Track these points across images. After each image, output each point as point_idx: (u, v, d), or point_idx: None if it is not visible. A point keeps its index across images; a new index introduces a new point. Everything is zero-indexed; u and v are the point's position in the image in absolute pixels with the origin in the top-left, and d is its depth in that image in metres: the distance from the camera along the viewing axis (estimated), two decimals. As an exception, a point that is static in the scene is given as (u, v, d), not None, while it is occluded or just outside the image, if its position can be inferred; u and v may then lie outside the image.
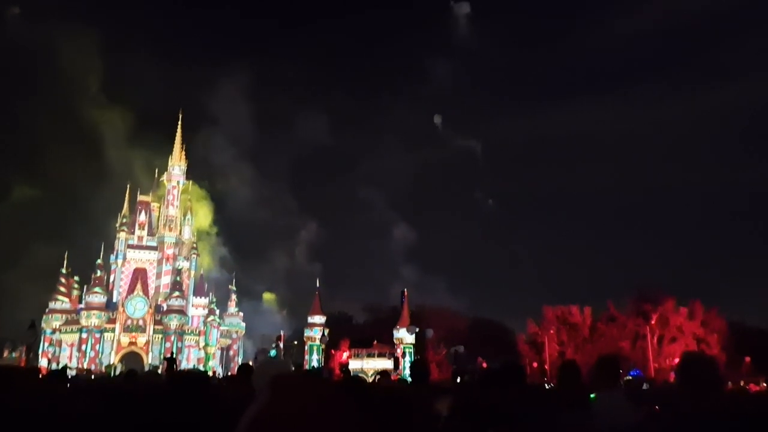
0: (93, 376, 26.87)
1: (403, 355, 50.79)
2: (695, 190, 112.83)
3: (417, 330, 50.69)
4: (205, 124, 75.04)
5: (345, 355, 53.01)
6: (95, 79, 79.65)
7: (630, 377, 29.67)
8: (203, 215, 65.76)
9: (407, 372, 45.69)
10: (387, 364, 49.75)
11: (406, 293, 54.93)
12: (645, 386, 18.73)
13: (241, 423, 1.05)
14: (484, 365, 59.61)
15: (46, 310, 53.12)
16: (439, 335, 58.55)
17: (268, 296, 71.81)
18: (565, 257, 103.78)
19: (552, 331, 54.22)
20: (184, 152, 62.83)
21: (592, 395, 3.86)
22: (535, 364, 51.61)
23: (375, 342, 54.22)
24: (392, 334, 53.25)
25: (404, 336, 52.10)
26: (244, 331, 61.03)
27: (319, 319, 53.66)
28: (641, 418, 3.36)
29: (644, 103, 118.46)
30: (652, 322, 50.43)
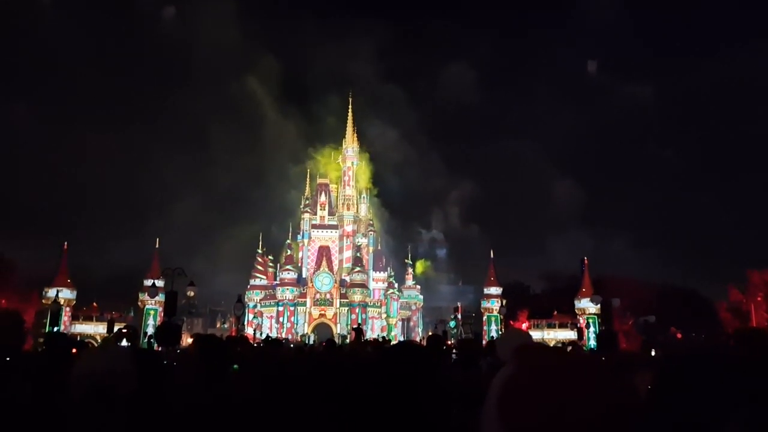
0: (292, 345, 29.50)
1: (587, 325, 48.81)
2: None
3: (601, 300, 48.19)
4: (346, 86, 75.93)
5: (524, 325, 52.34)
6: (238, 51, 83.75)
7: None
8: (360, 173, 67.53)
9: (592, 343, 43.97)
10: (569, 334, 48.24)
11: (586, 261, 52.56)
12: None
13: (490, 392, 1.10)
14: (679, 336, 55.39)
15: (248, 286, 59.39)
16: (625, 304, 55.35)
17: (422, 264, 72.24)
18: (762, 215, 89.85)
19: (760, 298, 48.75)
20: (355, 133, 65.77)
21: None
22: (740, 335, 46.82)
23: (555, 312, 52.79)
24: (572, 304, 51.31)
25: (587, 306, 49.94)
26: (422, 303, 62.87)
27: (495, 290, 53.39)
28: None
29: None
30: None
